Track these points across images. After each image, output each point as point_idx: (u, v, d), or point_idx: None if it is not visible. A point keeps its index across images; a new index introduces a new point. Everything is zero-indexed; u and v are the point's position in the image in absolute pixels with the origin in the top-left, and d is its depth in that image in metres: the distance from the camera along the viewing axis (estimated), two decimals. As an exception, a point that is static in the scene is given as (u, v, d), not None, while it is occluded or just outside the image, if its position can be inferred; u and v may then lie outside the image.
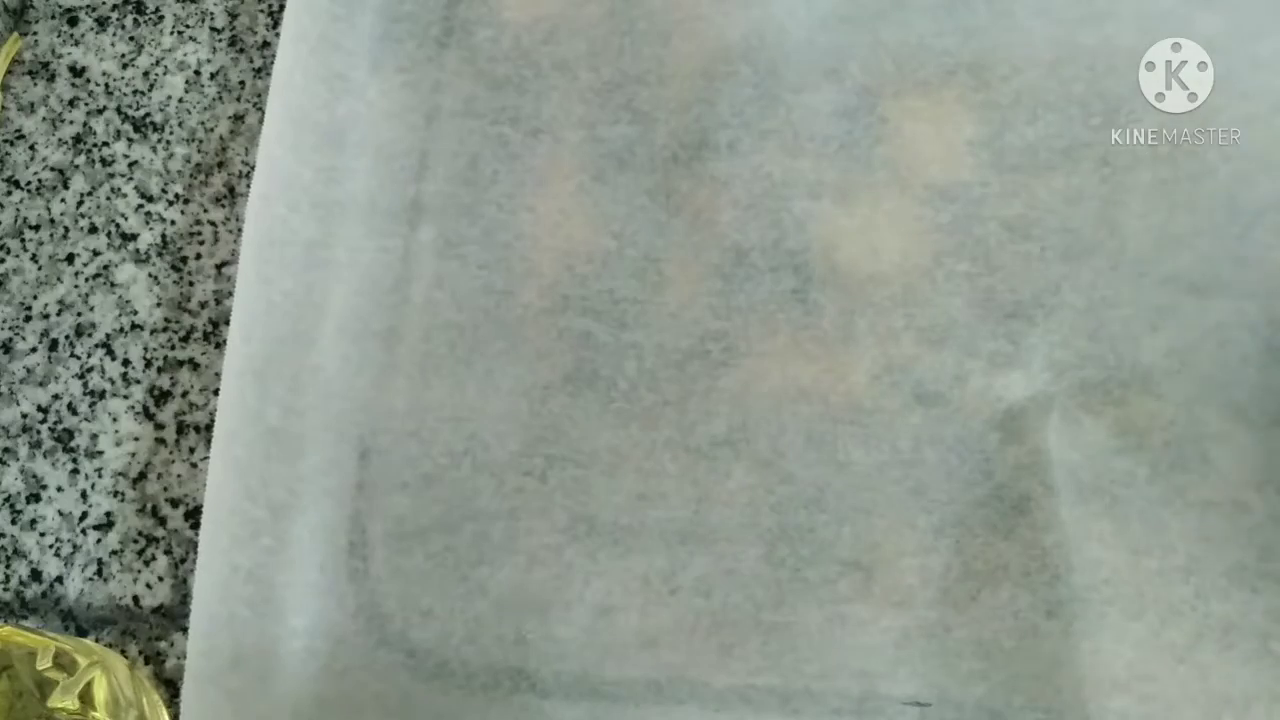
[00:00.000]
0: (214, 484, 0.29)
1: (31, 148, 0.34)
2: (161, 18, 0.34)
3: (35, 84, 0.34)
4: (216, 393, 0.31)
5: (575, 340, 0.30)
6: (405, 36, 0.33)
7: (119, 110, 0.34)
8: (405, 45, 0.33)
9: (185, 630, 0.29)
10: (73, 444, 0.31)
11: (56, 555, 0.30)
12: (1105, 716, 0.27)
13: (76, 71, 0.34)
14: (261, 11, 0.34)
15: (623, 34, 0.32)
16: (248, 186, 0.33)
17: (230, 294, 0.32)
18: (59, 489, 0.31)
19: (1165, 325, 0.29)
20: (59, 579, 0.30)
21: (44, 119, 0.34)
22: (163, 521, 0.30)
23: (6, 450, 0.31)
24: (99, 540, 0.30)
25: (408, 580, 0.29)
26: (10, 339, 0.32)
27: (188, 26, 0.34)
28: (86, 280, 0.32)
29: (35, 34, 0.35)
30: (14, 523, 0.31)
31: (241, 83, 0.34)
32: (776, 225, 0.31)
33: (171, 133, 0.33)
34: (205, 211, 0.33)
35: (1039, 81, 0.31)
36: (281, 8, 0.34)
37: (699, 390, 0.30)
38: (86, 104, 0.34)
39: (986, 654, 0.28)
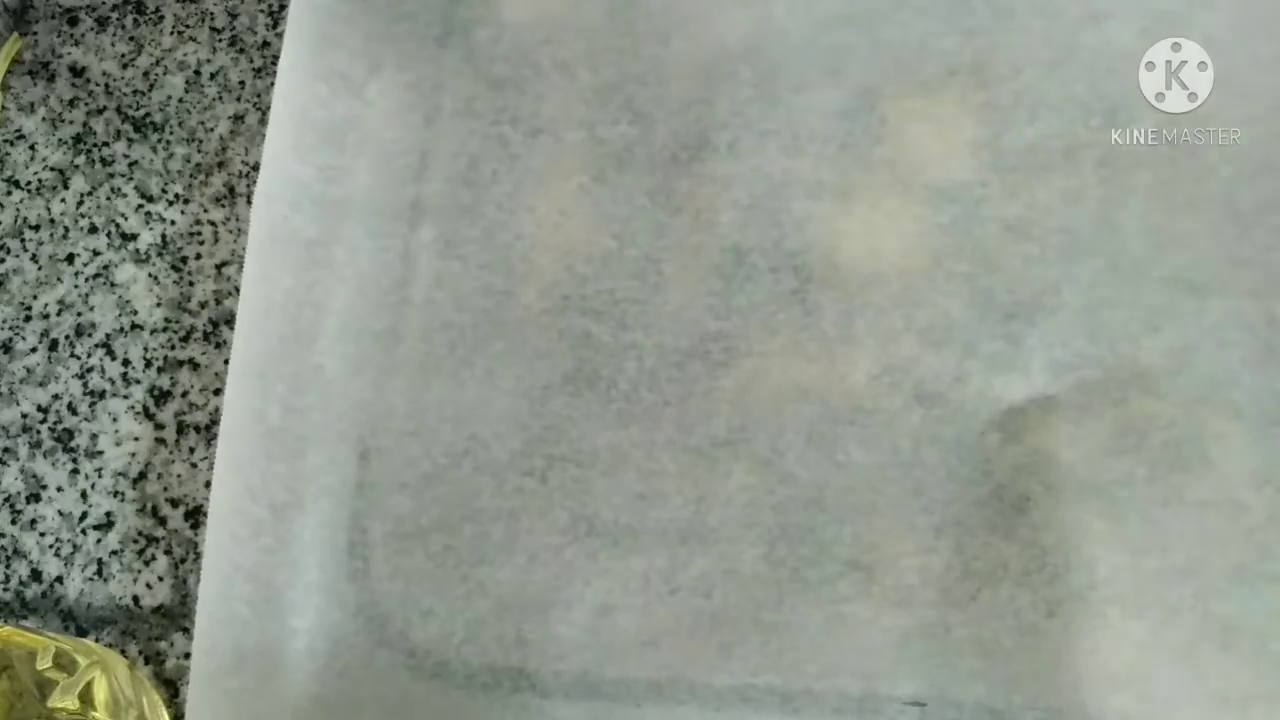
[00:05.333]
0: (217, 483, 0.29)
1: (31, 148, 0.34)
2: (161, 18, 0.34)
3: (35, 84, 0.34)
4: (217, 393, 0.31)
5: (575, 340, 0.30)
6: (405, 36, 0.33)
7: (119, 110, 0.34)
8: (405, 45, 0.33)
9: (185, 630, 0.29)
10: (73, 444, 0.31)
11: (56, 555, 0.30)
12: (1105, 716, 0.27)
13: (76, 71, 0.34)
14: (261, 11, 0.34)
15: (623, 34, 0.32)
16: (248, 186, 0.33)
17: (230, 294, 0.32)
18: (59, 489, 0.31)
19: (1165, 325, 0.29)
20: (59, 579, 0.30)
21: (44, 119, 0.34)
22: (163, 521, 0.30)
23: (6, 450, 0.31)
24: (99, 540, 0.30)
25: (408, 580, 0.29)
26: (10, 339, 0.32)
27: (188, 26, 0.34)
28: (86, 280, 0.32)
29: (35, 34, 0.35)
30: (14, 523, 0.31)
31: (241, 83, 0.34)
32: (776, 225, 0.31)
33: (171, 133, 0.33)
34: (205, 211, 0.33)
35: (1039, 81, 0.31)
36: (282, 8, 0.34)
37: (699, 390, 0.30)
38: (86, 104, 0.34)
39: (986, 654, 0.28)
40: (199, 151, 0.33)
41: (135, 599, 0.30)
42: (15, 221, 0.33)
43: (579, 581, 0.29)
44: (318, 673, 0.28)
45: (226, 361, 0.30)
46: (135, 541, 0.30)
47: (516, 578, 0.29)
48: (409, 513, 0.29)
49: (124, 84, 0.34)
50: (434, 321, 0.31)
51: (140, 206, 0.33)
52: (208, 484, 0.30)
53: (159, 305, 0.32)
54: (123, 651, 0.29)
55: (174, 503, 0.30)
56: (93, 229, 0.33)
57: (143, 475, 0.31)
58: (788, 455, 0.29)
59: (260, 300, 0.30)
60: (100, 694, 0.26)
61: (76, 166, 0.33)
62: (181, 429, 0.31)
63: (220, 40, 0.34)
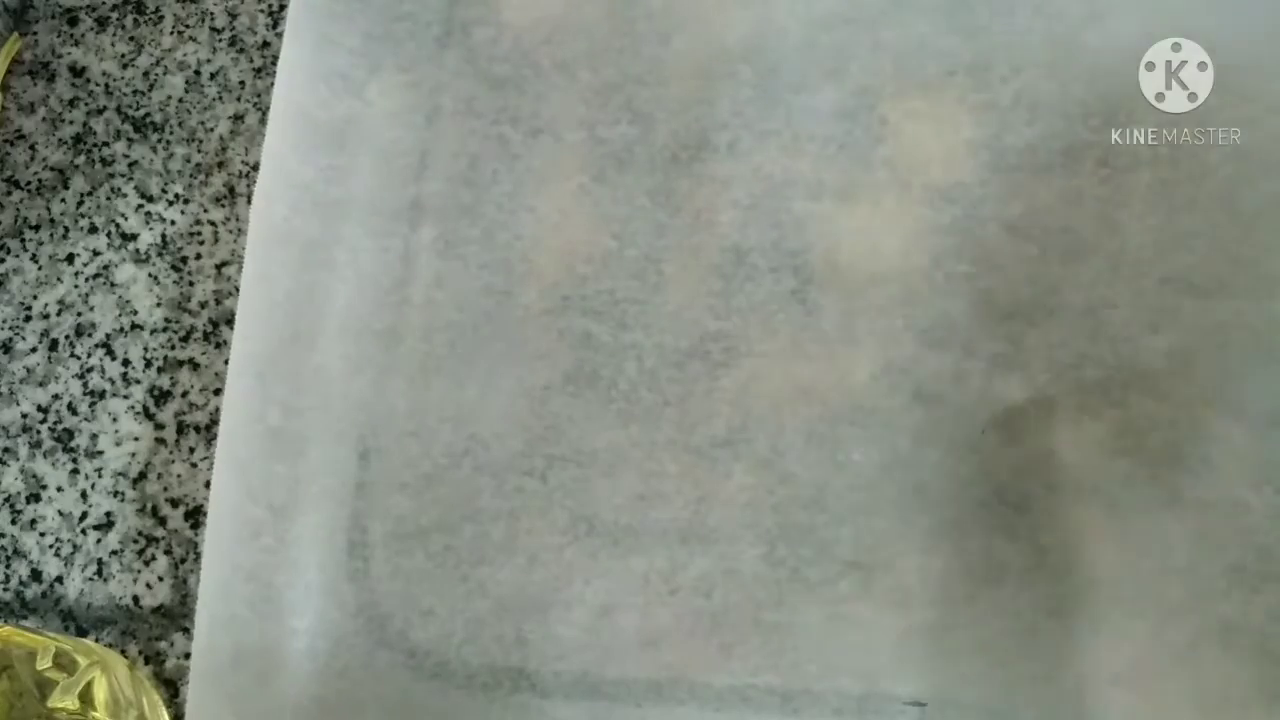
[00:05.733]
0: (217, 483, 0.29)
1: (31, 148, 0.34)
2: (161, 18, 0.34)
3: (35, 84, 0.34)
4: (217, 393, 0.31)
5: (575, 340, 0.30)
6: (405, 36, 0.33)
7: (119, 110, 0.34)
8: (405, 45, 0.32)
9: (185, 630, 0.29)
10: (73, 444, 0.31)
11: (56, 555, 0.30)
12: (1105, 716, 0.27)
13: (76, 71, 0.34)
14: (261, 11, 0.34)
15: (623, 34, 0.32)
16: (248, 186, 0.33)
17: (230, 294, 0.32)
18: (59, 489, 0.31)
19: (1165, 325, 0.29)
20: (59, 579, 0.30)
21: (44, 119, 0.34)
22: (163, 521, 0.30)
23: (6, 450, 0.31)
24: (99, 540, 0.30)
25: (408, 580, 0.29)
26: (10, 339, 0.32)
27: (188, 26, 0.34)
28: (86, 280, 0.32)
29: (35, 34, 0.35)
30: (14, 523, 0.31)
31: (241, 83, 0.34)
32: (776, 225, 0.31)
33: (171, 133, 0.33)
34: (205, 211, 0.33)
35: (1039, 82, 0.31)
36: (282, 8, 0.34)
37: (699, 390, 0.30)
38: (86, 104, 0.34)
39: (986, 653, 0.28)
40: (199, 151, 0.33)
41: (135, 599, 0.30)
42: (15, 221, 0.33)
43: (579, 581, 0.29)
44: (318, 673, 0.28)
45: (227, 361, 0.30)
46: (135, 541, 0.30)
47: (516, 578, 0.29)
48: (409, 513, 0.29)
49: (124, 84, 0.34)
50: (434, 321, 0.31)
51: (140, 206, 0.33)
52: (208, 484, 0.30)
53: (159, 305, 0.32)
54: (123, 651, 0.29)
55: (174, 503, 0.30)
56: (93, 229, 0.33)
57: (143, 475, 0.31)
58: (788, 455, 0.29)
59: (260, 300, 0.30)
60: (100, 694, 0.26)
61: (76, 166, 0.33)
62: (181, 429, 0.31)
63: (220, 40, 0.34)
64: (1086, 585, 0.28)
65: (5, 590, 0.30)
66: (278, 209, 0.31)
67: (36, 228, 0.33)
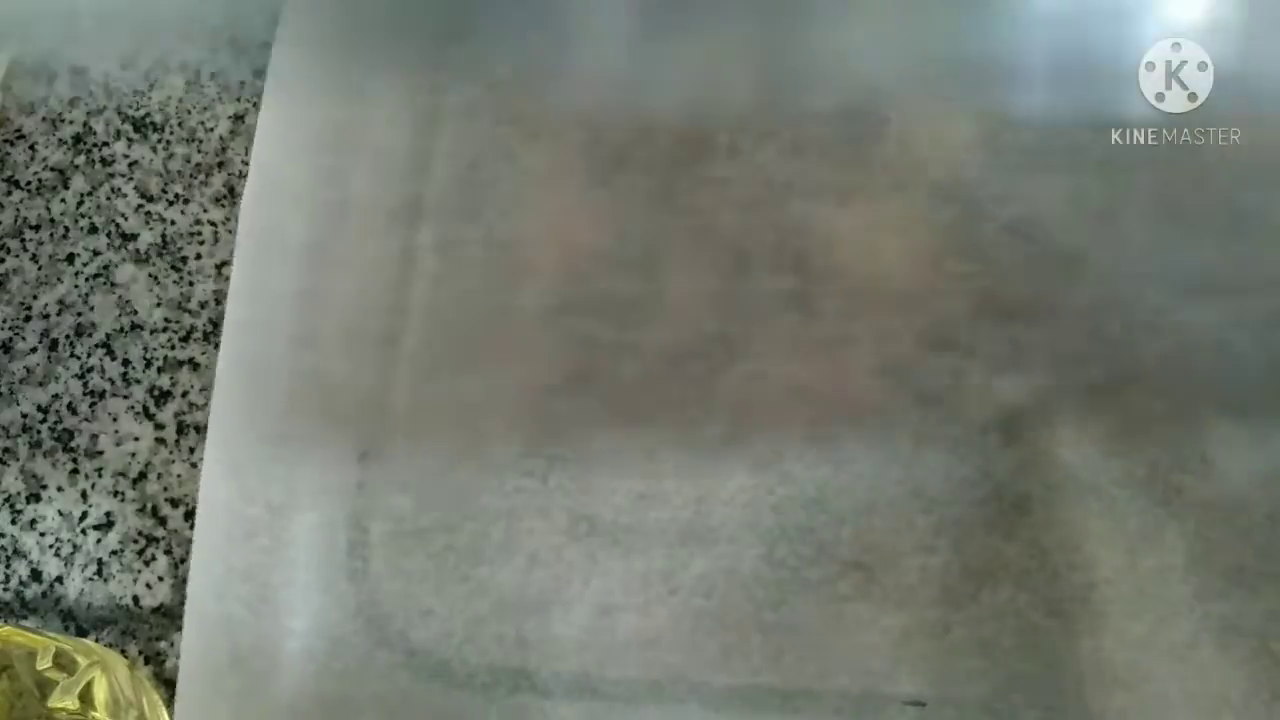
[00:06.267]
0: (209, 484, 0.29)
1: (31, 148, 0.34)
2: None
3: (35, 84, 0.34)
4: (216, 393, 0.31)
5: (575, 340, 0.30)
6: (405, 37, 0.33)
7: (119, 110, 0.34)
8: (405, 45, 0.33)
9: (185, 630, 0.30)
10: (73, 444, 0.31)
11: (56, 555, 0.30)
12: (1105, 715, 0.27)
13: (76, 71, 0.34)
14: (261, 11, 0.34)
15: (623, 34, 0.32)
16: (248, 186, 0.33)
17: (230, 294, 0.32)
18: (59, 489, 0.31)
19: (1165, 325, 0.29)
20: (59, 579, 0.30)
21: (44, 119, 0.34)
22: (163, 521, 0.30)
23: (6, 450, 0.31)
24: (99, 540, 0.30)
25: (408, 580, 0.29)
26: (10, 339, 0.32)
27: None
28: (86, 280, 0.32)
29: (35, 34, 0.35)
30: (14, 523, 0.31)
31: (241, 83, 0.34)
32: (776, 225, 0.31)
33: (171, 133, 0.33)
34: (205, 211, 0.33)
35: (1039, 82, 0.31)
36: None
37: (699, 390, 0.30)
38: (86, 104, 0.34)
39: (986, 653, 0.28)
40: (199, 151, 0.33)
41: (135, 599, 0.30)
42: (15, 221, 0.33)
43: (579, 581, 0.29)
44: (316, 673, 0.28)
45: (226, 361, 0.30)
46: (135, 541, 0.30)
47: (516, 578, 0.29)
48: (409, 513, 0.29)
49: (124, 84, 0.34)
50: (434, 321, 0.31)
51: (140, 206, 0.33)
52: (208, 484, 0.30)
53: (159, 305, 0.32)
54: (123, 651, 0.29)
55: (174, 503, 0.30)
56: (93, 229, 0.33)
57: (143, 475, 0.31)
58: (788, 455, 0.29)
59: (259, 301, 0.30)
60: (100, 694, 0.26)
61: (76, 166, 0.33)
62: (181, 429, 0.31)
63: (220, 40, 0.34)
64: (1086, 584, 0.28)
65: (5, 590, 0.30)
66: (273, 210, 0.31)
67: (36, 228, 0.33)
